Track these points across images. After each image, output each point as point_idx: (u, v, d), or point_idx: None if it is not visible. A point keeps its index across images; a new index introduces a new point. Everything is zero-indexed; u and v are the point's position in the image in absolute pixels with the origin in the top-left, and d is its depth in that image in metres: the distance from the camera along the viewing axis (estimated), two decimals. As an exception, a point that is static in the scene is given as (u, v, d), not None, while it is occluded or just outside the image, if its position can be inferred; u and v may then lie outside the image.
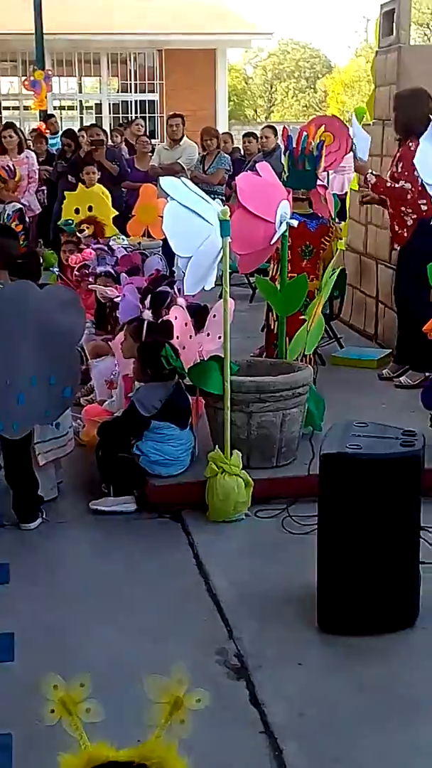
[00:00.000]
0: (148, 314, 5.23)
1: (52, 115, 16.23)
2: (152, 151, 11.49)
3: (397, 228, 6.48)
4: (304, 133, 6.14)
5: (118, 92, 22.75)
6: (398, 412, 5.72)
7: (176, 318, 5.39)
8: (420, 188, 6.13)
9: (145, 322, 5.12)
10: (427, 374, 6.43)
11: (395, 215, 6.46)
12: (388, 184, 6.28)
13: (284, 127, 6.45)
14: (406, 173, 6.15)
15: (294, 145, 6.09)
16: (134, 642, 3.60)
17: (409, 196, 6.22)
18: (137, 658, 3.46)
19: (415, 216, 6.32)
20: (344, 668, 3.42)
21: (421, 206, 6.27)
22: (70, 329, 4.57)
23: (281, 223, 5.15)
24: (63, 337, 4.51)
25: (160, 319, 5.20)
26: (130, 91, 21.98)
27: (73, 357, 4.70)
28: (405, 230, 6.41)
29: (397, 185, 6.25)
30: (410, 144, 6.14)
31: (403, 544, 3.58)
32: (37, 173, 10.81)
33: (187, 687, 2.12)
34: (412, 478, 3.56)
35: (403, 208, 6.31)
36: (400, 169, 6.24)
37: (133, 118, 20.25)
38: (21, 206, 9.63)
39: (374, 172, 6.37)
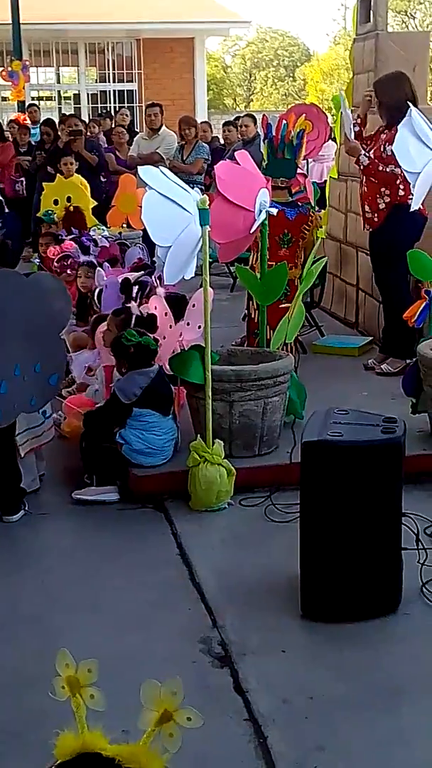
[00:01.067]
0: (135, 307, 5.23)
1: (34, 104, 16.14)
2: (130, 141, 11.46)
3: (367, 209, 6.47)
4: (284, 122, 6.14)
5: (96, 82, 22.64)
6: (380, 400, 5.73)
7: (155, 308, 5.38)
8: (404, 175, 6.13)
9: (134, 317, 5.11)
10: (407, 361, 6.44)
11: (369, 196, 6.42)
12: (380, 168, 6.27)
13: (264, 116, 6.43)
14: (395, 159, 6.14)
15: (273, 134, 6.09)
16: (118, 632, 3.60)
17: (398, 181, 6.20)
18: (121, 648, 3.46)
19: (389, 200, 6.29)
20: (328, 655, 3.43)
21: (400, 191, 6.26)
22: (55, 317, 4.56)
23: (260, 211, 5.14)
24: (48, 324, 4.50)
25: (147, 313, 5.18)
26: (109, 81, 21.86)
27: (58, 344, 4.70)
28: (376, 214, 6.40)
29: (387, 169, 6.24)
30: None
31: (385, 530, 3.59)
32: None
33: (180, 701, 2.10)
34: (393, 464, 3.57)
35: (382, 189, 6.29)
36: (390, 153, 6.21)
37: (113, 107, 20.22)
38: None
39: (368, 154, 6.33)
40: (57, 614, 3.76)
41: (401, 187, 6.23)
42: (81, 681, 2.18)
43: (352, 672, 3.32)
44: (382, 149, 6.29)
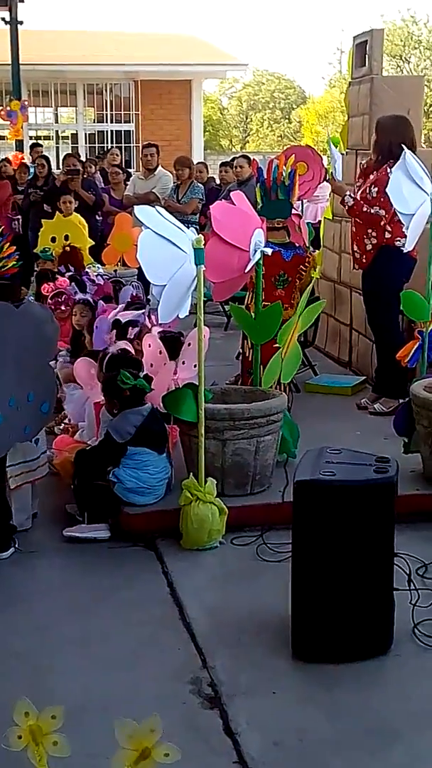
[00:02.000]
0: (114, 346, 5.24)
1: (39, 144, 16.28)
2: (127, 180, 11.55)
3: (356, 249, 6.52)
4: (275, 163, 6.20)
5: (94, 122, 22.86)
6: (372, 439, 5.73)
7: (150, 346, 5.40)
8: (392, 215, 6.19)
9: (108, 356, 5.12)
10: (400, 401, 6.46)
11: (357, 236, 6.48)
12: (364, 209, 6.32)
13: (253, 160, 6.52)
14: (382, 199, 6.19)
15: (265, 177, 6.15)
16: (107, 671, 3.57)
17: (382, 223, 6.27)
18: (110, 687, 3.43)
19: (375, 242, 6.34)
20: (318, 696, 3.40)
21: (386, 233, 6.31)
22: (45, 344, 4.59)
23: (255, 251, 5.18)
24: (39, 353, 4.53)
25: (122, 350, 5.17)
26: (106, 122, 22.09)
27: (48, 372, 4.73)
28: (364, 255, 6.45)
29: (371, 210, 6.30)
30: (388, 168, 6.19)
31: (377, 570, 3.58)
32: None
33: (158, 738, 2.09)
34: (385, 504, 3.56)
35: (369, 231, 6.34)
36: (375, 194, 6.27)
37: (109, 147, 20.39)
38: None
39: (352, 195, 6.41)
40: (46, 652, 3.73)
41: (387, 228, 6.27)
42: (44, 729, 2.15)
43: (343, 713, 3.29)
44: (368, 191, 6.35)
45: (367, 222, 6.33)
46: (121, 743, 2.09)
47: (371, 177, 6.46)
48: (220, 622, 3.95)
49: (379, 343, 6.69)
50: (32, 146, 15.31)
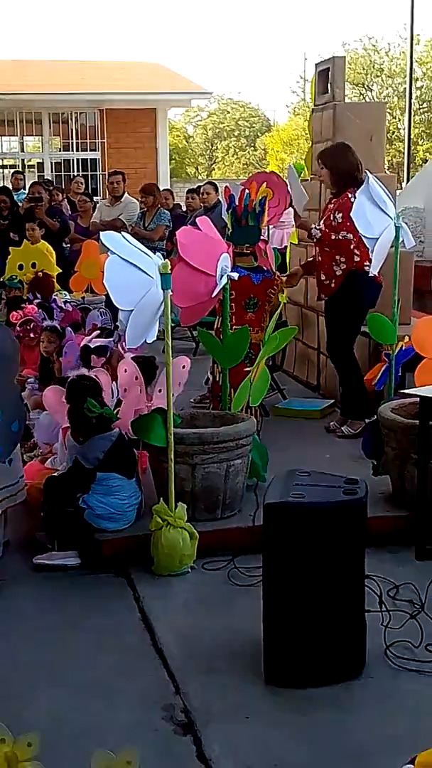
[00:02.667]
0: (73, 372, 5.22)
1: (20, 171, 16.27)
2: (94, 208, 11.59)
3: (324, 278, 6.50)
4: (246, 192, 6.25)
5: (60, 151, 22.91)
6: (342, 462, 5.76)
7: (125, 371, 5.39)
8: (359, 238, 6.24)
9: (68, 381, 5.10)
10: (366, 421, 6.50)
11: (325, 264, 6.48)
12: (332, 237, 6.35)
13: (226, 187, 6.54)
14: (348, 223, 6.25)
15: (237, 203, 6.20)
16: (79, 700, 3.53)
17: (351, 246, 6.30)
18: (82, 715, 3.40)
19: (345, 266, 6.36)
20: (291, 721, 3.38)
21: (355, 257, 6.35)
22: (6, 363, 4.55)
23: (222, 275, 5.20)
24: (3, 372, 4.48)
25: (79, 377, 5.13)
26: (72, 150, 22.14)
27: (14, 390, 4.68)
28: (333, 281, 6.43)
29: (339, 236, 6.33)
30: (349, 194, 6.26)
31: (348, 592, 3.58)
32: None
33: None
34: (355, 525, 3.57)
35: (337, 257, 6.37)
36: (340, 220, 6.32)
37: (74, 176, 20.46)
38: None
39: (318, 227, 6.45)
40: (17, 680, 3.69)
41: (356, 252, 6.32)
42: (19, 756, 2.13)
43: (317, 737, 3.28)
44: (332, 217, 6.39)
45: (335, 248, 6.36)
46: None
47: (330, 206, 6.50)
48: (192, 647, 3.93)
49: (341, 367, 6.67)
50: (14, 173, 15.31)
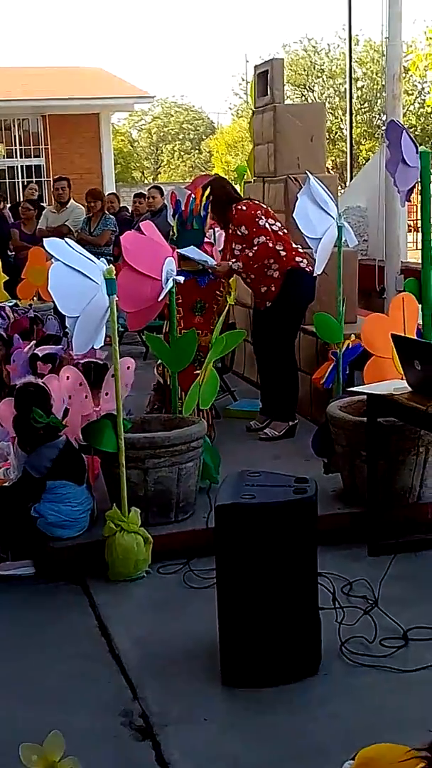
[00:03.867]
0: (21, 380, 5.19)
1: None
2: (38, 215, 11.53)
3: (263, 289, 6.40)
4: (192, 197, 6.27)
5: (3, 158, 22.74)
6: (293, 461, 5.79)
7: (68, 378, 5.37)
8: (272, 234, 6.24)
9: (15, 389, 5.07)
10: (289, 423, 6.54)
11: (258, 279, 6.37)
12: (250, 254, 6.24)
13: (172, 193, 6.54)
14: (254, 229, 6.26)
15: (183, 208, 6.20)
16: (37, 710, 3.51)
17: (270, 244, 6.28)
18: (40, 726, 3.34)
19: (277, 266, 6.30)
20: (249, 721, 3.40)
21: (280, 252, 6.32)
22: None
23: (167, 279, 5.21)
24: None
25: (26, 384, 5.10)
26: (16, 157, 21.99)
27: None
28: (272, 285, 6.35)
29: (254, 248, 6.24)
30: (238, 207, 6.29)
31: (301, 590, 3.61)
32: None
33: (62, 754, 2.09)
34: (306, 524, 3.59)
35: (266, 261, 6.28)
36: (246, 231, 6.29)
37: (21, 182, 20.34)
38: None
39: (232, 262, 6.31)
40: (-28, 695, 3.66)
41: (278, 248, 6.29)
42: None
43: (275, 737, 3.29)
44: (238, 233, 6.28)
45: (260, 259, 6.27)
46: (27, 765, 2.08)
47: (230, 232, 6.42)
48: (149, 652, 3.93)
49: (281, 366, 6.60)
50: None
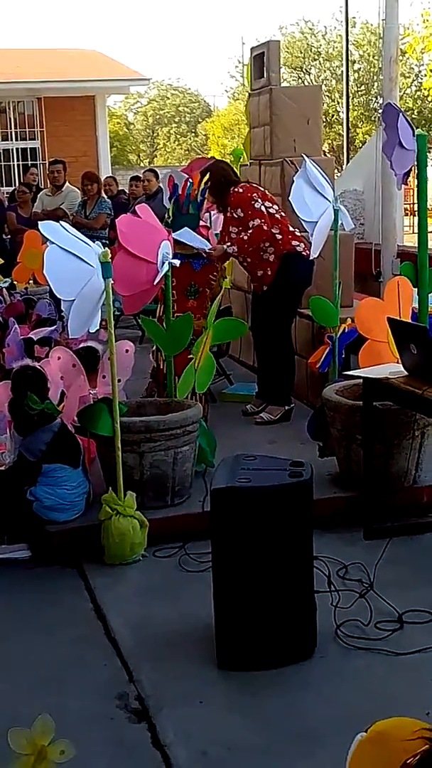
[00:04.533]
0: (18, 363, 5.18)
1: None
2: (34, 198, 11.49)
3: (260, 273, 6.41)
4: (189, 181, 6.24)
5: (-2, 141, 22.64)
6: (289, 445, 5.79)
7: (59, 359, 5.35)
8: (268, 217, 6.24)
9: (12, 372, 5.06)
10: (285, 407, 6.54)
11: (254, 262, 6.38)
12: (245, 237, 6.24)
13: (170, 176, 6.51)
14: (249, 212, 6.25)
15: (180, 192, 6.18)
16: (32, 693, 3.52)
17: (266, 227, 6.27)
18: (35, 707, 3.35)
19: (273, 249, 6.31)
20: (245, 704, 3.41)
21: (276, 235, 6.31)
22: None
23: (163, 263, 5.19)
24: None
25: (23, 367, 5.09)
26: (11, 140, 21.89)
27: None
28: (268, 269, 6.36)
29: (249, 232, 6.25)
30: (235, 190, 6.29)
31: (297, 574, 3.61)
32: None
33: (52, 737, 2.09)
34: (302, 507, 3.60)
35: (262, 245, 6.29)
36: (241, 214, 6.29)
37: (16, 165, 20.27)
38: None
39: (227, 245, 6.30)
40: (-32, 678, 3.67)
41: (274, 231, 6.29)
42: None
43: (270, 719, 3.30)
44: (234, 215, 6.29)
45: (254, 242, 6.26)
46: (17, 750, 2.09)
47: (228, 215, 6.42)
48: (144, 635, 3.94)
49: (277, 350, 6.61)
50: None
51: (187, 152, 44.10)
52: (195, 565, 4.50)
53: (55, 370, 5.32)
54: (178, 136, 46.97)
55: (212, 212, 9.04)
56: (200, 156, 23.38)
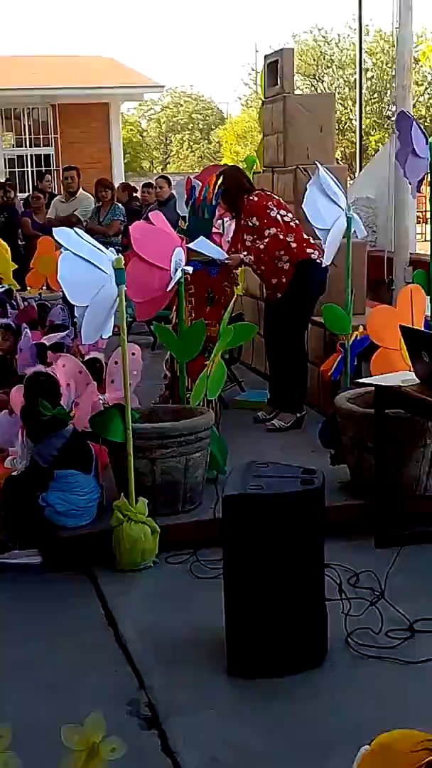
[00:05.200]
0: (30, 369, 5.20)
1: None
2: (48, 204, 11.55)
3: (274, 281, 6.41)
4: (206, 185, 6.25)
5: (13, 147, 22.76)
6: (300, 452, 5.78)
7: (64, 366, 5.35)
8: (283, 225, 6.24)
9: (25, 378, 5.07)
10: (297, 414, 6.53)
11: (269, 270, 6.38)
12: (261, 246, 6.25)
13: (188, 178, 6.52)
14: (265, 220, 6.26)
15: (197, 195, 6.19)
16: (43, 698, 3.53)
17: (281, 236, 6.29)
18: (46, 713, 3.38)
19: (287, 257, 6.30)
20: (255, 711, 3.41)
21: (291, 244, 6.32)
22: None
23: (176, 270, 5.21)
24: None
25: (35, 374, 5.11)
26: (25, 146, 22.02)
27: None
28: (283, 276, 6.35)
29: (265, 240, 6.26)
30: (250, 198, 6.30)
31: (308, 581, 3.61)
32: None
33: (103, 735, 2.11)
34: (313, 514, 3.60)
35: (277, 253, 6.30)
36: (256, 222, 6.30)
37: (30, 172, 20.37)
38: None
39: (243, 254, 6.30)
40: (-21, 682, 3.68)
41: (288, 239, 6.29)
42: None
43: (280, 727, 3.30)
44: (249, 224, 6.30)
45: (270, 251, 6.27)
46: (68, 746, 2.11)
47: (242, 223, 6.41)
48: (155, 642, 3.94)
49: (284, 357, 6.60)
50: None
51: (199, 159, 44.19)
52: (206, 571, 4.49)
53: (61, 378, 5.33)
54: (191, 143, 47.06)
55: (225, 219, 9.07)
56: (213, 164, 23.42)
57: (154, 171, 40.03)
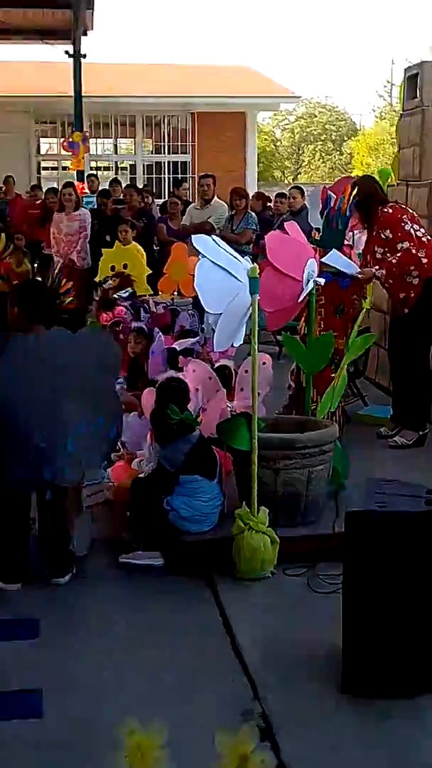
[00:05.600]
0: (162, 375, 5.27)
1: (93, 174, 16.57)
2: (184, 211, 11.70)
3: (402, 296, 6.37)
4: (341, 195, 6.23)
5: (152, 153, 23.20)
6: (422, 471, 5.69)
7: (194, 371, 5.41)
8: (416, 240, 6.15)
9: (157, 384, 5.15)
10: (420, 432, 6.42)
11: (398, 285, 6.34)
12: (393, 261, 6.22)
13: (324, 188, 6.52)
14: (398, 233, 6.19)
15: (332, 205, 6.18)
16: (159, 701, 3.55)
17: (413, 251, 6.21)
18: (162, 717, 3.41)
19: (417, 272, 6.24)
20: (369, 732, 3.37)
21: (422, 259, 6.24)
22: (108, 369, 4.67)
23: (308, 281, 5.20)
24: (103, 377, 4.60)
25: (167, 380, 5.17)
26: (164, 153, 22.41)
27: (114, 396, 4.78)
28: (411, 291, 6.31)
29: (397, 255, 6.22)
30: (384, 209, 6.22)
31: (429, 602, 3.55)
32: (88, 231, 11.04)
33: (254, 746, 2.10)
34: (438, 536, 3.54)
35: (407, 268, 6.24)
36: (390, 235, 6.24)
37: (167, 178, 20.74)
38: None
39: (375, 268, 6.30)
40: (98, 679, 3.75)
41: (420, 255, 6.21)
42: (151, 744, 2.18)
43: (391, 748, 3.25)
44: (381, 235, 6.25)
45: (402, 266, 6.24)
46: (220, 752, 2.12)
47: (374, 236, 6.37)
48: (271, 653, 3.94)
49: (408, 373, 6.54)
50: (88, 176, 15.62)
51: (330, 170, 43.97)
52: (324, 586, 4.46)
53: (190, 383, 5.39)
54: (323, 154, 46.86)
55: (356, 231, 9.02)
56: (345, 175, 23.30)
57: (286, 181, 40.06)
